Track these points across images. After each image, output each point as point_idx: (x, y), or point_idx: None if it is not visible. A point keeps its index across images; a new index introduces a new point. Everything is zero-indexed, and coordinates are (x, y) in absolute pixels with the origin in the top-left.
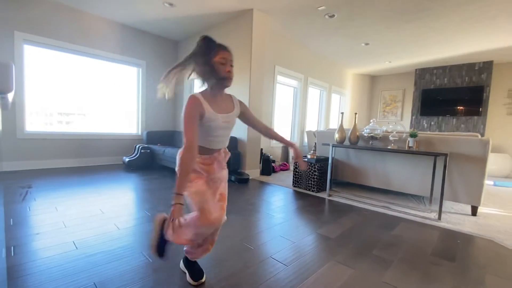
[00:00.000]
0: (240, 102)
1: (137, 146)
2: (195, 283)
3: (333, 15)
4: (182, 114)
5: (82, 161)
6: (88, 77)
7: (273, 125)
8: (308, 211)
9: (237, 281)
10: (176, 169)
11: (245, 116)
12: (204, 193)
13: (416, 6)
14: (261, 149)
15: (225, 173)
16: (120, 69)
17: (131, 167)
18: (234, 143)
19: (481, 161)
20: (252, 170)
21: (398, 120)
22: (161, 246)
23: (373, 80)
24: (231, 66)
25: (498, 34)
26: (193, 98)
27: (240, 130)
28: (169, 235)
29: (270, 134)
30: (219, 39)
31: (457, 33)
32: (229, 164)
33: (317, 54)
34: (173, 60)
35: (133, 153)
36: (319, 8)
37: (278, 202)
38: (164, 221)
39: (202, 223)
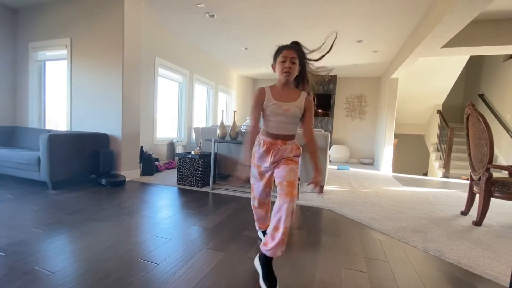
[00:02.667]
0: (308, 100)
1: None
2: None
3: (213, 15)
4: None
5: None
6: None
7: (156, 120)
8: (190, 207)
9: None
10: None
11: (304, 115)
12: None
13: (277, 22)
14: (141, 147)
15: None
16: None
17: None
18: (104, 140)
19: (325, 150)
20: (130, 171)
21: None
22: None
23: (255, 83)
24: (292, 63)
25: (338, 54)
26: (258, 90)
27: (112, 124)
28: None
29: (309, 148)
30: (79, 13)
31: None
32: (98, 165)
33: (202, 51)
34: (9, 31)
35: None
36: (198, 5)
37: (158, 202)
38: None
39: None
